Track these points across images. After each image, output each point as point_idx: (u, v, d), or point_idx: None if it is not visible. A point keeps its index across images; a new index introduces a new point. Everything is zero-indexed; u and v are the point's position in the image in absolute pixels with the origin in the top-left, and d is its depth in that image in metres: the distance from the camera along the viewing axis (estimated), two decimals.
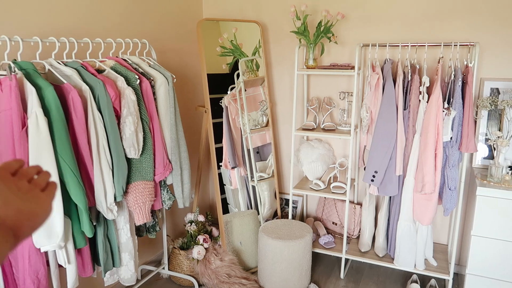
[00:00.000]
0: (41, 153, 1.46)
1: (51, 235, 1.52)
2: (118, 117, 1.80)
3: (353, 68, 2.49)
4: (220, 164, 2.69)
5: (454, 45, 2.27)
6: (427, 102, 2.25)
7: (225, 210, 2.72)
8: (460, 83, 2.21)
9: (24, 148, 1.45)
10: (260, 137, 2.89)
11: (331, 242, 2.75)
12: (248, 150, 2.78)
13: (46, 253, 1.67)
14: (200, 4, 3.10)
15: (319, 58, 2.82)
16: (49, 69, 1.65)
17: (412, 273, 2.63)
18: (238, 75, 2.75)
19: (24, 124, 1.45)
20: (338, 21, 2.63)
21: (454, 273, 2.60)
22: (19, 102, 1.44)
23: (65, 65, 1.71)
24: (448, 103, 2.25)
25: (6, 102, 1.43)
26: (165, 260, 2.60)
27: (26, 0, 1.80)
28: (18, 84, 1.44)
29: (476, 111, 2.38)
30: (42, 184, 0.60)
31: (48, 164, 1.47)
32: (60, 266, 1.73)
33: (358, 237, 2.82)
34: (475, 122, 2.39)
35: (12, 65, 1.47)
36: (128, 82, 1.85)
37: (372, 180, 2.41)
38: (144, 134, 1.91)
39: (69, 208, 1.62)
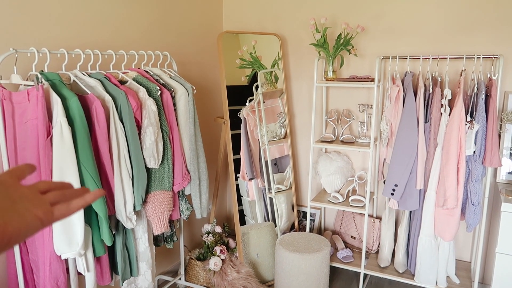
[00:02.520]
0: (64, 161, 1.49)
1: (71, 243, 1.54)
2: (139, 127, 1.83)
3: (372, 80, 2.48)
4: (237, 175, 2.70)
5: (477, 57, 2.23)
6: (449, 115, 2.21)
7: (242, 221, 2.71)
8: (483, 96, 2.16)
9: (48, 157, 1.49)
10: (278, 148, 2.89)
11: (350, 257, 2.70)
12: (266, 162, 2.77)
13: (66, 260, 1.70)
14: (221, 17, 3.15)
15: (339, 71, 2.82)
16: (74, 80, 1.69)
17: None
18: (257, 87, 2.77)
19: (49, 133, 1.49)
20: (358, 34, 2.63)
21: None
22: (45, 112, 1.48)
23: (90, 76, 1.75)
24: (471, 117, 2.20)
25: (33, 112, 1.48)
26: (182, 270, 2.60)
27: (53, 14, 1.86)
28: (44, 94, 1.48)
29: (500, 125, 2.32)
30: (55, 198, 0.53)
31: (71, 172, 1.50)
32: (79, 273, 1.75)
33: (377, 252, 2.76)
34: (499, 136, 2.33)
35: (40, 76, 1.52)
36: (150, 93, 1.88)
37: (392, 194, 2.37)
38: (164, 144, 1.94)
39: (90, 216, 1.64)
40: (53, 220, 0.52)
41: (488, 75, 2.26)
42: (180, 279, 2.61)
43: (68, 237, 1.53)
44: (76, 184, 1.52)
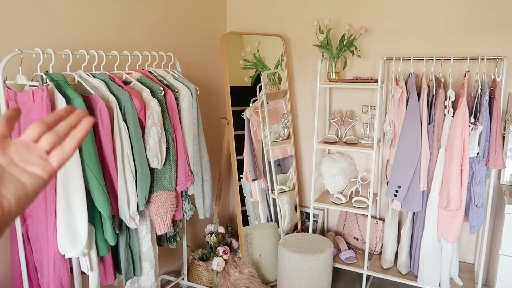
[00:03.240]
0: (68, 161, 1.50)
1: (75, 242, 1.55)
2: (142, 127, 1.84)
3: (376, 81, 2.48)
4: (241, 176, 2.70)
5: (481, 59, 2.22)
6: (453, 116, 2.21)
7: (245, 222, 2.72)
8: (487, 98, 2.16)
9: None
10: (281, 149, 2.89)
11: (352, 258, 2.70)
12: (269, 163, 2.78)
13: (69, 260, 1.71)
14: (224, 18, 3.16)
15: (342, 72, 2.82)
16: (78, 81, 1.71)
17: None
18: (260, 88, 2.77)
19: None
20: (361, 35, 2.63)
21: None
22: (50, 112, 1.49)
23: (94, 76, 1.76)
24: (474, 118, 2.20)
25: (38, 112, 1.49)
26: (185, 270, 2.61)
27: (58, 15, 1.88)
28: (49, 95, 1.49)
29: (504, 126, 2.31)
30: (50, 143, 0.49)
31: (75, 172, 1.51)
32: (82, 273, 1.76)
33: (380, 253, 2.76)
34: (503, 137, 2.32)
35: (44, 76, 1.53)
36: (153, 94, 1.89)
37: (395, 195, 2.36)
38: (167, 144, 1.94)
39: (93, 216, 1.65)
40: (54, 171, 0.49)
41: (492, 77, 2.25)
42: (183, 279, 2.62)
43: (72, 236, 1.54)
44: (81, 185, 1.53)
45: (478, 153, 2.19)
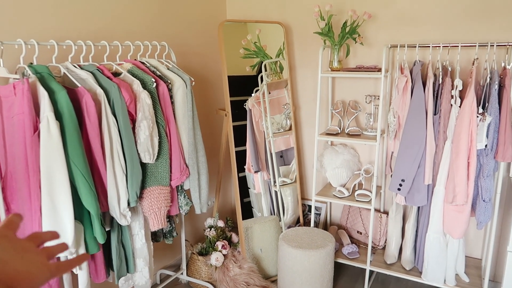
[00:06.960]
0: (52, 157, 1.44)
1: (61, 241, 1.50)
2: (133, 121, 1.78)
3: (380, 70, 2.37)
4: (244, 167, 2.64)
5: (491, 45, 2.10)
6: (460, 106, 2.10)
7: (250, 214, 2.66)
8: (496, 87, 2.04)
9: (35, 153, 1.44)
10: (284, 141, 2.81)
11: (355, 252, 2.63)
12: (271, 154, 2.70)
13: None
14: (224, 6, 3.06)
15: (345, 60, 2.71)
16: (64, 73, 1.64)
17: None
18: (262, 78, 2.68)
19: (36, 128, 1.44)
20: (365, 21, 2.51)
21: None
22: (31, 106, 1.43)
23: (81, 68, 1.69)
24: (483, 108, 2.09)
25: (19, 106, 1.43)
26: (184, 265, 2.57)
27: (42, 4, 1.80)
28: (30, 88, 1.43)
29: None
30: (52, 253, 0.56)
31: (59, 170, 1.45)
32: (72, 272, 1.71)
33: (384, 248, 2.68)
34: None
35: (26, 68, 1.47)
36: (145, 86, 1.82)
37: (399, 189, 2.27)
38: (160, 138, 1.88)
39: (81, 213, 1.59)
40: (58, 273, 0.54)
41: (502, 64, 2.13)
42: (182, 274, 2.58)
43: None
44: (66, 182, 1.47)
45: (486, 146, 2.08)
